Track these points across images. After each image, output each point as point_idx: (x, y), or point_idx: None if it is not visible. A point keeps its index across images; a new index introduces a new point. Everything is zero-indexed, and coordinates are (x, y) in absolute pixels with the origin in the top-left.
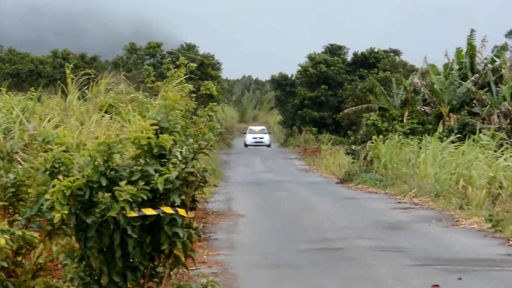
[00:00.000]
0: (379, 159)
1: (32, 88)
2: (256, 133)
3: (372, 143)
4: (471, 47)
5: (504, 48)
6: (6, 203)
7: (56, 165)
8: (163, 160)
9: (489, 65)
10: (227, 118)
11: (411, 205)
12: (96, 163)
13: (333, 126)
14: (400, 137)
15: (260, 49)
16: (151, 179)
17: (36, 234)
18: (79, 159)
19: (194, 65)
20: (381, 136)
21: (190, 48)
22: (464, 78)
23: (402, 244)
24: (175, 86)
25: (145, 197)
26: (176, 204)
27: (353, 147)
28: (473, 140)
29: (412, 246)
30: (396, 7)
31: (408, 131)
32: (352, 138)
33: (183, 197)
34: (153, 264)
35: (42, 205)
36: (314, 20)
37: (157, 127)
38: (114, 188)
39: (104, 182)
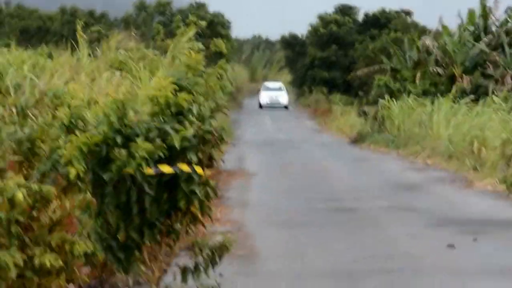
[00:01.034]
0: (392, 120)
1: (43, 44)
2: (272, 91)
3: (384, 104)
4: (484, 8)
5: None
6: (22, 158)
7: (73, 121)
8: (180, 118)
9: (503, 27)
10: (237, 77)
11: (424, 166)
12: (110, 120)
13: (344, 87)
14: (413, 98)
15: (270, 7)
16: (168, 137)
17: (52, 189)
18: (92, 116)
19: (204, 23)
20: (393, 97)
21: (199, 6)
22: (477, 39)
23: (416, 204)
24: (184, 44)
25: (162, 155)
26: (193, 161)
27: (365, 108)
28: (486, 102)
29: (426, 207)
30: None
31: (421, 92)
32: (364, 99)
33: (200, 155)
34: (170, 221)
35: (57, 160)
36: None
37: (175, 86)
38: (130, 145)
39: (119, 140)
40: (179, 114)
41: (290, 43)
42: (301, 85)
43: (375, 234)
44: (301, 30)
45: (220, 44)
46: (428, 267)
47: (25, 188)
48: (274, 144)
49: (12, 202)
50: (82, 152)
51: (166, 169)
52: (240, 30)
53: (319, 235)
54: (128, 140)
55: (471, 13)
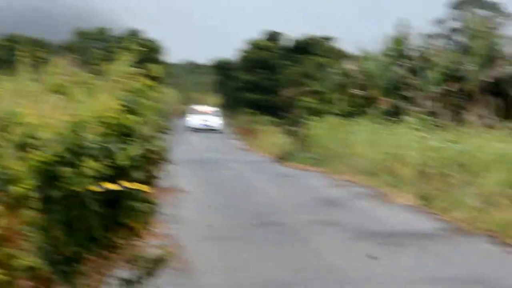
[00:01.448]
0: (316, 139)
1: None
2: (204, 115)
3: (309, 124)
4: (401, 35)
5: (431, 36)
6: None
7: (26, 140)
8: (126, 138)
9: (419, 52)
10: (171, 100)
11: (346, 182)
12: (66, 139)
13: (270, 109)
14: (336, 118)
15: (200, 34)
16: (114, 156)
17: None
18: (45, 135)
19: (140, 49)
20: (317, 117)
21: (136, 33)
22: (395, 64)
23: (339, 219)
24: (122, 69)
25: (108, 173)
26: (137, 179)
27: (291, 127)
28: (404, 122)
29: (348, 221)
30: None
31: (343, 113)
32: (289, 119)
33: (144, 173)
34: (112, 235)
35: (5, 178)
36: (253, 6)
37: (123, 108)
38: (79, 164)
39: (71, 158)
40: (126, 135)
41: (221, 67)
42: (229, 106)
43: (302, 247)
44: (229, 55)
45: (156, 69)
46: (353, 278)
47: None
48: (205, 163)
49: None
50: (33, 170)
51: (111, 186)
52: (172, 55)
53: (251, 249)
54: (77, 159)
55: (390, 39)
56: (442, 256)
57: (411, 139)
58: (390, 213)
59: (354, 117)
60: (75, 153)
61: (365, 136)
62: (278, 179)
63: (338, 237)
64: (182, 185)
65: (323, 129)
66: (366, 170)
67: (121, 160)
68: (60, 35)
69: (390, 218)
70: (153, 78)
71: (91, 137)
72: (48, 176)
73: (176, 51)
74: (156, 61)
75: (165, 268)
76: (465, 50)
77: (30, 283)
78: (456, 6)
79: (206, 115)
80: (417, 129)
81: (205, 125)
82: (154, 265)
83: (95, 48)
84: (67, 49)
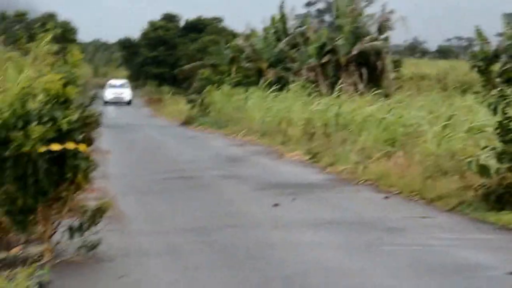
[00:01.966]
0: (214, 105)
1: None
2: (116, 88)
3: (207, 92)
4: (282, 15)
5: (307, 15)
6: None
7: None
8: (67, 105)
9: (298, 30)
10: (84, 74)
11: (243, 142)
12: (13, 107)
13: (171, 80)
14: (229, 87)
15: (107, 15)
16: (58, 121)
17: None
18: None
19: (59, 30)
20: (214, 87)
21: (51, 16)
22: (279, 40)
23: (242, 173)
24: (43, 47)
25: (52, 136)
26: (78, 140)
27: (192, 96)
28: (288, 90)
29: (250, 175)
30: None
31: (236, 83)
32: (189, 89)
33: (83, 135)
34: (58, 189)
35: None
36: None
37: (63, 80)
38: (27, 128)
39: (20, 124)
40: (66, 102)
41: (126, 45)
42: (136, 79)
43: (214, 197)
44: (134, 34)
45: (71, 47)
46: (260, 222)
47: None
48: (119, 127)
49: None
50: None
51: (55, 147)
52: (83, 34)
53: (170, 200)
54: (25, 124)
55: (273, 18)
56: (331, 202)
57: (296, 104)
58: (284, 168)
59: (246, 86)
60: (23, 119)
61: (257, 102)
62: (185, 140)
63: (244, 188)
64: (102, 146)
65: (220, 96)
66: (260, 131)
67: (63, 124)
68: None
69: (284, 171)
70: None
71: (36, 105)
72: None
73: (87, 31)
74: (70, 40)
75: (103, 217)
76: (335, 28)
77: None
78: None
79: (117, 88)
80: (300, 96)
81: (117, 98)
82: (95, 214)
83: (17, 30)
84: None
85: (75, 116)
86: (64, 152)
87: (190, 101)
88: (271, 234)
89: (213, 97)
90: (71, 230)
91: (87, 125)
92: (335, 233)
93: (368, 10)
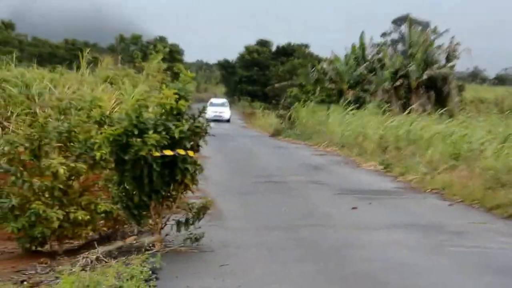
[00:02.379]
0: (300, 120)
1: (56, 65)
2: (216, 106)
3: (295, 108)
4: (362, 43)
5: (384, 44)
6: (61, 144)
7: (103, 118)
8: (179, 117)
9: (375, 56)
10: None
11: (325, 152)
12: (131, 117)
13: (262, 97)
14: (314, 105)
15: (209, 39)
16: (170, 130)
17: (84, 166)
18: (116, 115)
19: (167, 50)
20: (300, 104)
21: (162, 39)
22: (358, 65)
23: (323, 179)
24: (155, 65)
25: (166, 143)
26: (187, 147)
27: (281, 111)
28: (365, 108)
29: (331, 181)
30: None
31: (320, 100)
32: (278, 105)
33: (192, 143)
34: (169, 189)
35: (88, 146)
36: (248, 16)
37: (176, 95)
38: (143, 135)
39: (136, 132)
40: (178, 114)
41: (224, 65)
42: (232, 95)
43: (299, 199)
44: (231, 56)
45: (179, 66)
46: (340, 222)
47: (65, 165)
48: (217, 136)
49: (55, 174)
50: (109, 140)
51: (168, 152)
52: (188, 56)
53: (263, 200)
54: (142, 132)
55: (353, 46)
56: (402, 207)
57: (372, 121)
58: (360, 176)
59: (328, 104)
60: (139, 127)
61: (337, 118)
62: (274, 149)
63: (325, 193)
64: (203, 152)
65: (305, 112)
66: (340, 144)
67: (175, 133)
68: (104, 40)
69: (361, 179)
70: (177, 74)
71: (152, 116)
72: (120, 144)
73: (191, 53)
74: (178, 60)
75: (206, 214)
76: (408, 55)
77: (106, 223)
78: (396, 22)
79: (218, 107)
80: (376, 114)
81: (217, 116)
82: (200, 211)
83: (133, 50)
84: (111, 50)
85: (185, 127)
86: (175, 157)
87: (279, 116)
88: (351, 233)
89: (299, 112)
90: (178, 224)
91: (196, 134)
92: (407, 235)
93: (438, 41)
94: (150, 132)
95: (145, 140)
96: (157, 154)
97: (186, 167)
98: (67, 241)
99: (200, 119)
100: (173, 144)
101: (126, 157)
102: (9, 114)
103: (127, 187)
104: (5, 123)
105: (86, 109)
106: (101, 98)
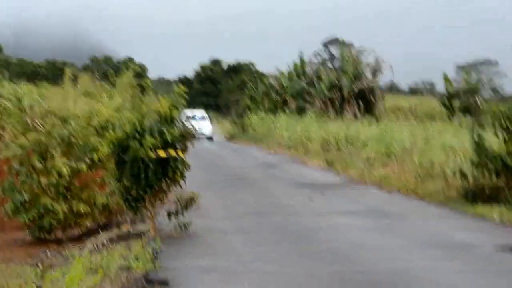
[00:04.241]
0: (251, 126)
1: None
2: (193, 120)
3: (248, 116)
4: (302, 61)
5: (324, 61)
6: (64, 148)
7: (106, 125)
8: (171, 123)
9: (315, 71)
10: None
11: (275, 153)
12: (133, 123)
13: (215, 107)
14: (263, 113)
15: (166, 57)
16: (164, 134)
17: (83, 166)
18: (117, 122)
19: (138, 68)
20: (252, 112)
21: (130, 59)
22: (299, 79)
23: (279, 175)
24: (127, 81)
25: (160, 145)
26: (178, 149)
27: (235, 119)
28: (306, 116)
29: (285, 176)
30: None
31: (268, 110)
32: (233, 114)
33: (181, 145)
34: (161, 184)
35: (87, 149)
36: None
37: (170, 105)
38: (141, 139)
39: (137, 136)
40: (171, 121)
41: (183, 81)
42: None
43: (263, 192)
44: (187, 72)
45: (147, 82)
46: (301, 210)
47: (67, 165)
48: None
49: (59, 174)
50: (113, 143)
51: (162, 153)
52: (150, 72)
53: (233, 193)
54: (141, 136)
55: (295, 64)
56: (350, 197)
57: (313, 126)
58: (309, 172)
59: (275, 112)
60: (139, 133)
61: (283, 124)
62: (232, 151)
63: (283, 186)
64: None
65: (256, 119)
66: (287, 145)
67: (168, 137)
68: (78, 60)
69: (310, 174)
70: (143, 88)
71: (149, 123)
72: (122, 146)
73: (151, 70)
74: (143, 76)
75: (193, 205)
76: (341, 71)
77: (103, 214)
78: (325, 44)
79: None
80: (315, 120)
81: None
82: (187, 202)
83: (107, 69)
84: (86, 69)
85: (177, 132)
86: (167, 157)
87: (233, 123)
88: (312, 219)
89: (250, 119)
90: (169, 214)
91: (185, 138)
92: (359, 219)
93: (366, 59)
94: (147, 136)
95: (142, 143)
96: (152, 154)
97: (176, 165)
98: (69, 230)
99: (189, 125)
100: (166, 146)
101: (126, 158)
102: (4, 124)
103: (126, 183)
104: (1, 132)
105: (85, 117)
106: (100, 109)
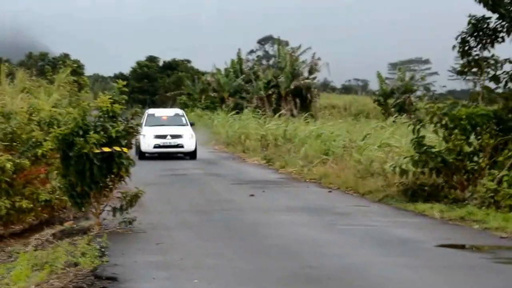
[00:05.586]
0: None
1: None
2: (165, 126)
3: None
4: (239, 59)
5: (260, 59)
6: (7, 143)
7: (52, 121)
8: (114, 119)
9: (251, 69)
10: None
11: (213, 150)
12: (77, 120)
13: (152, 104)
14: (200, 110)
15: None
16: (108, 130)
17: (27, 162)
18: (62, 118)
19: (75, 65)
20: (189, 109)
21: (66, 56)
22: (237, 77)
23: (218, 171)
24: (64, 78)
25: (104, 141)
26: (122, 145)
27: None
28: (243, 113)
29: (225, 173)
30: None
31: (205, 107)
32: None
33: (126, 141)
34: (107, 180)
35: (30, 144)
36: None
37: (111, 99)
38: (86, 135)
39: (80, 132)
40: (114, 116)
41: (119, 78)
42: (126, 103)
43: (204, 188)
44: (124, 70)
45: (85, 79)
46: (243, 207)
47: (11, 161)
48: None
49: (2, 169)
50: (58, 139)
51: (106, 149)
52: (86, 69)
53: (173, 190)
54: (85, 132)
55: (232, 61)
56: (290, 194)
57: (251, 123)
58: (248, 169)
59: (213, 110)
60: (83, 129)
61: (221, 121)
62: None
63: (223, 183)
64: None
65: (193, 117)
66: (225, 142)
67: (112, 133)
68: (14, 56)
69: (249, 171)
70: (80, 85)
71: (93, 119)
72: (66, 142)
73: (87, 67)
74: (80, 73)
75: (137, 202)
76: (278, 69)
77: (46, 210)
78: (261, 42)
79: (167, 127)
80: (252, 117)
81: (168, 145)
82: (132, 199)
83: (41, 66)
84: (21, 65)
85: (121, 127)
86: (112, 153)
87: None
88: (255, 215)
89: (188, 117)
90: (114, 210)
91: (129, 134)
92: (303, 216)
93: (303, 57)
94: (91, 132)
95: (87, 139)
96: (97, 150)
97: (121, 161)
98: (11, 226)
99: (132, 121)
100: (110, 142)
101: (71, 154)
102: None
103: (71, 179)
104: None
105: (25, 113)
106: (42, 104)
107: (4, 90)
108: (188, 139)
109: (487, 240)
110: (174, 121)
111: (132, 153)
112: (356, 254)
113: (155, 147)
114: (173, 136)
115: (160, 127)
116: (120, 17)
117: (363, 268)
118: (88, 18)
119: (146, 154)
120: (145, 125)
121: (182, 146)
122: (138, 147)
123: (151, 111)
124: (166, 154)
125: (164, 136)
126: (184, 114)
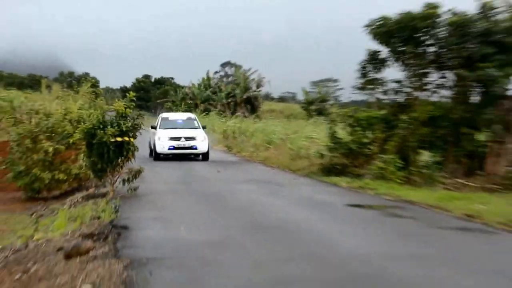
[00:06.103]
0: None
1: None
2: (179, 129)
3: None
4: (208, 77)
5: (221, 77)
6: (48, 134)
7: (79, 119)
8: (125, 118)
9: (217, 84)
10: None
11: None
12: (98, 118)
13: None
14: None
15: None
16: (120, 125)
17: (62, 147)
18: (87, 117)
19: (93, 81)
20: (173, 111)
21: (86, 74)
22: (206, 89)
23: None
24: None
25: (118, 133)
26: (130, 136)
27: None
28: (210, 115)
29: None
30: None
31: (184, 110)
32: (159, 112)
33: (132, 133)
34: (118, 160)
35: (65, 135)
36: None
37: (124, 105)
38: (104, 129)
39: (101, 126)
40: (125, 116)
41: (124, 90)
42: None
43: (184, 167)
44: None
45: (100, 90)
46: (213, 179)
47: (52, 146)
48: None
49: (46, 152)
50: (84, 131)
51: (119, 139)
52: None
53: (161, 167)
54: (104, 126)
55: (203, 78)
56: (246, 170)
57: (216, 122)
58: (216, 153)
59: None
60: (103, 124)
61: None
62: None
63: (197, 163)
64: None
65: None
66: None
67: (123, 127)
68: (51, 74)
69: (216, 155)
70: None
71: (109, 118)
72: (90, 134)
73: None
74: (96, 86)
75: (139, 175)
76: (235, 84)
77: (77, 180)
78: (222, 65)
79: (181, 129)
80: (217, 118)
81: (183, 147)
82: (136, 173)
83: (70, 81)
84: (56, 80)
85: (129, 124)
86: (122, 141)
87: None
88: (222, 185)
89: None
90: (123, 181)
91: (135, 128)
92: (255, 186)
93: (252, 76)
94: (109, 126)
95: (105, 132)
96: (112, 140)
97: (129, 147)
98: (53, 191)
99: (137, 120)
100: (122, 133)
101: (94, 142)
102: (0, 118)
103: (94, 159)
104: None
105: (61, 114)
106: (71, 108)
107: (44, 97)
108: (201, 141)
109: (378, 201)
110: (187, 124)
111: (144, 154)
112: (291, 211)
113: (169, 148)
114: (187, 138)
115: (174, 129)
116: (126, 45)
117: (295, 220)
118: (101, 43)
119: (161, 155)
120: (159, 128)
121: (195, 148)
122: (153, 149)
123: (165, 115)
124: (181, 156)
125: (178, 138)
126: (196, 118)
